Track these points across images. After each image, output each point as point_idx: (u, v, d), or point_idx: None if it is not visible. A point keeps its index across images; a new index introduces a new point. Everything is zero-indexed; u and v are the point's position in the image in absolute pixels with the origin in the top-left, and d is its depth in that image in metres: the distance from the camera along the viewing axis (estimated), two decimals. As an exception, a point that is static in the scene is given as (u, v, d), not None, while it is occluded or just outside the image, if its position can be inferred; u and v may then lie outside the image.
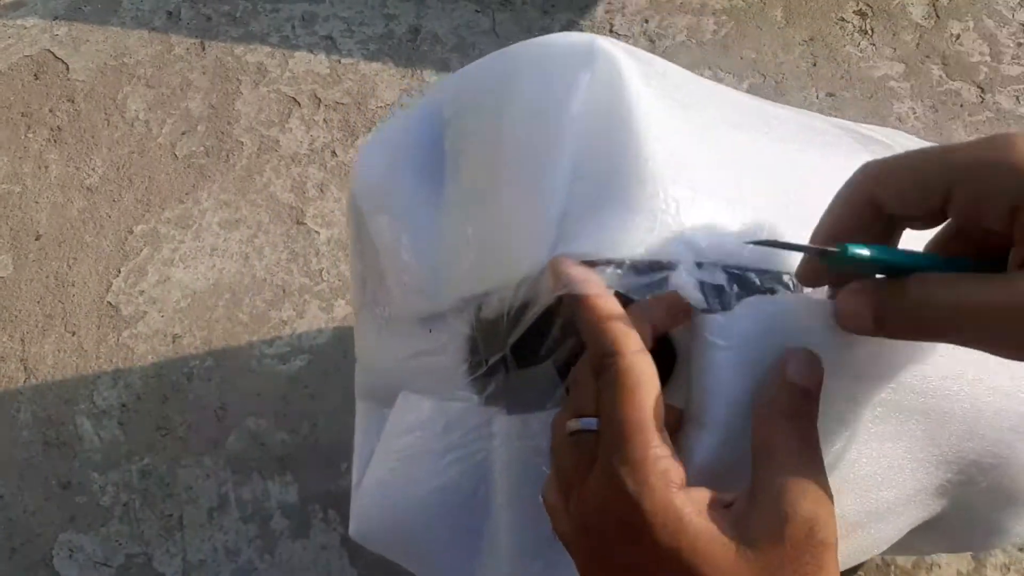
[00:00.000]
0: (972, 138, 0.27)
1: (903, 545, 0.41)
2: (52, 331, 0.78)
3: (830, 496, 0.28)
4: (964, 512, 0.41)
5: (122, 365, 0.77)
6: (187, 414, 0.74)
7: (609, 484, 0.27)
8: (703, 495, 0.28)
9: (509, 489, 0.38)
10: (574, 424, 0.30)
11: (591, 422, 0.29)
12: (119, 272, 0.82)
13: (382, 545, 0.44)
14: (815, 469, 0.28)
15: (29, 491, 0.71)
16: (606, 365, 0.28)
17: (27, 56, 0.96)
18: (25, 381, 0.76)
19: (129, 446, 0.73)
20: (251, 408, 0.74)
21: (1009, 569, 0.65)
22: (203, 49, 0.95)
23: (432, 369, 0.40)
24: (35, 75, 0.94)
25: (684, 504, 0.27)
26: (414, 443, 0.41)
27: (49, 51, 0.96)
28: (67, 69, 0.94)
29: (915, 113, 0.84)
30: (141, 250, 0.83)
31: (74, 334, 0.78)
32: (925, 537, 0.42)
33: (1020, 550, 0.65)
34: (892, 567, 0.65)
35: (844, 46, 0.87)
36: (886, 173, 0.27)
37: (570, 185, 0.33)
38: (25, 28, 0.98)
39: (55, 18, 0.98)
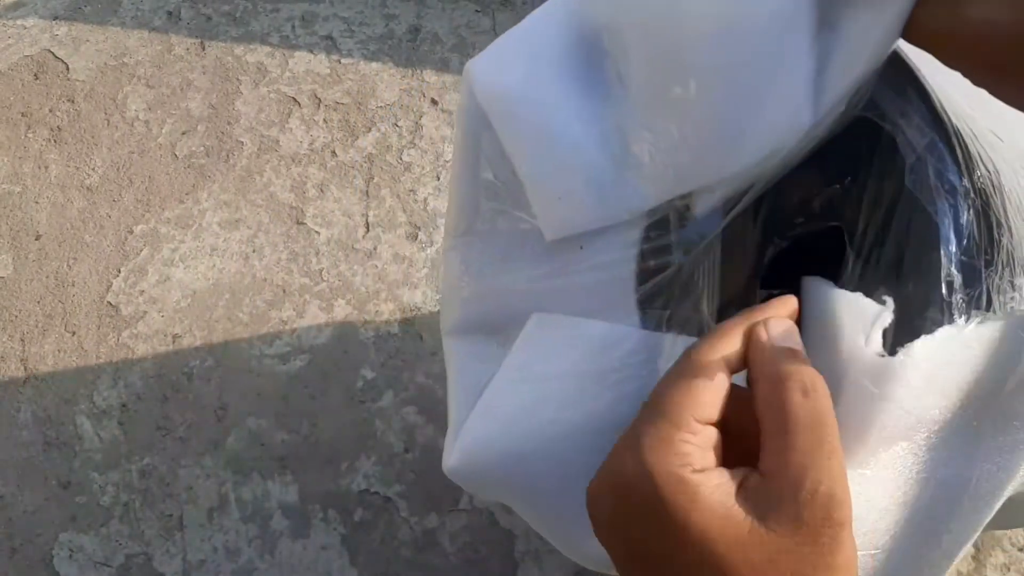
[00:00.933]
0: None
1: None
2: (52, 331, 0.78)
3: (845, 473, 0.28)
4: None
5: (122, 365, 0.77)
6: (187, 414, 0.74)
7: (633, 460, 0.27)
8: (720, 473, 0.28)
9: None
10: None
11: None
12: (119, 272, 0.82)
13: (492, 479, 0.41)
14: (831, 446, 0.28)
15: (29, 491, 0.71)
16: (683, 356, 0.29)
17: (27, 56, 0.96)
18: (25, 381, 0.76)
19: (129, 446, 0.73)
20: (251, 408, 0.74)
21: (1009, 569, 0.65)
22: (203, 49, 0.95)
23: (582, 288, 0.38)
24: (35, 75, 0.94)
25: (700, 482, 0.27)
26: (560, 366, 0.38)
27: (49, 51, 0.96)
28: (67, 69, 0.94)
29: (915, 113, 0.84)
30: (141, 250, 0.83)
31: (74, 334, 0.78)
32: None
33: (1020, 550, 0.65)
34: (892, 567, 0.65)
35: (844, 46, 0.87)
36: None
37: (816, 43, 0.30)
38: (25, 28, 0.98)
39: (55, 18, 0.98)
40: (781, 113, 0.32)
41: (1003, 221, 0.31)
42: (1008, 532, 0.65)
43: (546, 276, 0.39)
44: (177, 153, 0.88)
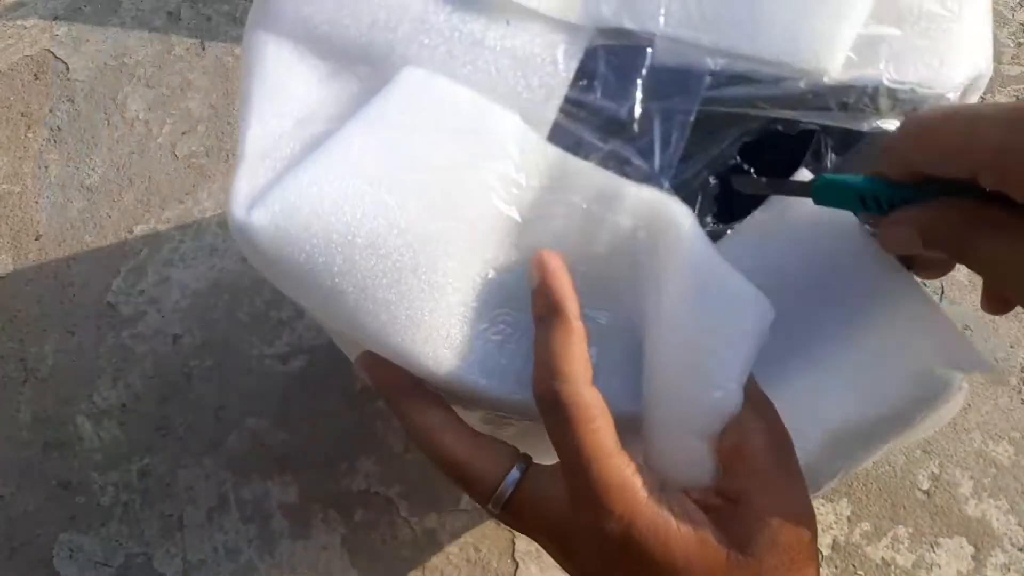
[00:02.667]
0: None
1: None
2: (52, 331, 0.78)
3: (807, 490, 0.28)
4: None
5: (122, 365, 0.76)
6: (187, 414, 0.74)
7: (592, 509, 0.27)
8: (681, 498, 0.28)
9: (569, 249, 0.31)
10: (515, 475, 0.30)
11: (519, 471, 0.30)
12: (119, 272, 0.82)
13: (315, 254, 0.31)
14: (792, 471, 0.28)
15: (29, 491, 0.71)
16: (552, 399, 0.27)
17: (27, 56, 0.96)
18: (25, 381, 0.76)
19: (129, 446, 0.73)
20: (251, 408, 0.74)
21: (1009, 569, 0.65)
22: (203, 49, 0.95)
23: (489, 68, 0.31)
24: (35, 75, 0.94)
25: (670, 516, 0.27)
26: (452, 150, 0.30)
27: (49, 51, 0.96)
28: (67, 69, 0.94)
29: (915, 113, 0.84)
30: (141, 250, 0.83)
31: (74, 334, 0.78)
32: None
33: (1020, 550, 0.65)
34: (892, 567, 0.65)
35: (844, 46, 0.87)
36: (927, 135, 0.27)
37: None
38: (25, 28, 0.98)
39: (55, 18, 0.98)
40: (819, 36, 0.28)
41: None
42: (1007, 532, 0.65)
43: (449, 31, 0.31)
44: (177, 153, 0.88)
